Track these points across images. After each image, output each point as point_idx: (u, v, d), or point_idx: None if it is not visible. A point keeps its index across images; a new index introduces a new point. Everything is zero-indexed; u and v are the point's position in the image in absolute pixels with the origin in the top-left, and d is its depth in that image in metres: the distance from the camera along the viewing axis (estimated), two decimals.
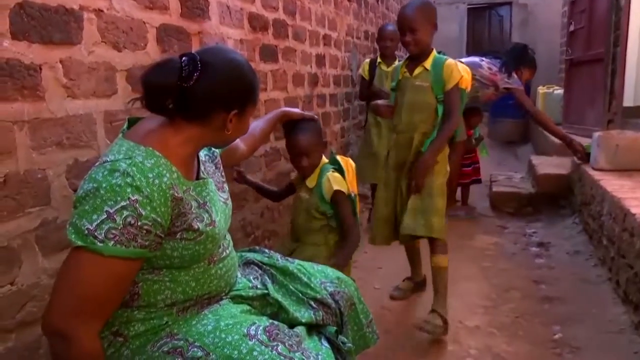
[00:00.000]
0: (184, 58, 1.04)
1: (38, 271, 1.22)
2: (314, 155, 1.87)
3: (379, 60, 3.57)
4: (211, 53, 1.10)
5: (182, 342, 1.05)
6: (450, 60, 2.14)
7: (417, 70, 2.15)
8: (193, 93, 1.04)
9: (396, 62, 3.13)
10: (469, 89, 2.33)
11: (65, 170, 1.30)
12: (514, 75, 3.49)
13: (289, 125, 1.86)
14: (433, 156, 2.11)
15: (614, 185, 2.84)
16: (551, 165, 4.22)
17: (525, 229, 3.59)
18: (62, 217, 1.28)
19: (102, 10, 1.40)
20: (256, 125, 1.71)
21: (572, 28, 5.39)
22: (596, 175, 3.14)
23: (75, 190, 1.31)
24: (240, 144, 1.57)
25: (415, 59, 2.18)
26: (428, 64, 2.12)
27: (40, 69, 1.21)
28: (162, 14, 1.68)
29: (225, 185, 1.29)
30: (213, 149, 1.31)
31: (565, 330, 2.15)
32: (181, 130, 1.07)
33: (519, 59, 3.58)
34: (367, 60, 3.69)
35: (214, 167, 1.27)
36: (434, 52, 2.16)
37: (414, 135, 2.16)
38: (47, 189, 1.25)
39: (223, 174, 1.31)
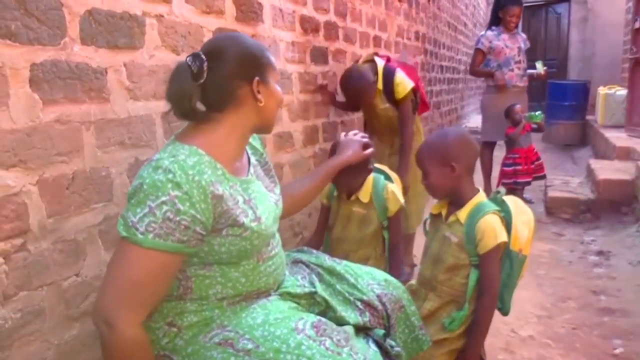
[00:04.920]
0: (188, 58, 1.09)
1: (100, 264, 1.29)
2: (360, 178, 1.81)
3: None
4: (209, 42, 1.17)
5: (232, 333, 1.08)
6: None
7: None
8: (212, 83, 1.08)
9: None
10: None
11: (127, 169, 1.36)
12: (482, 33, 4.12)
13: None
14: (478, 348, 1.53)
15: None
16: (612, 169, 4.00)
17: (583, 236, 3.43)
18: None
19: (162, 16, 1.46)
20: (299, 185, 1.60)
21: (637, 25, 5.10)
22: None
23: None
24: None
25: None
26: None
27: (106, 72, 1.28)
28: (218, 18, 1.73)
29: (276, 189, 1.31)
30: (263, 154, 1.33)
31: (627, 345, 2.03)
32: (221, 123, 1.12)
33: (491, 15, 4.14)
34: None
35: (264, 171, 1.30)
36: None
37: None
38: (110, 186, 1.31)
39: (275, 178, 1.33)
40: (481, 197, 1.52)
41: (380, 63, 2.50)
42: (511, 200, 1.54)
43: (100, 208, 1.29)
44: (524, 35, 4.16)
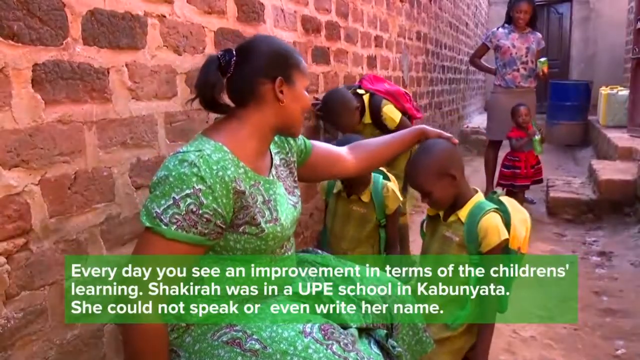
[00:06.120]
0: (220, 51, 1.14)
1: (102, 264, 1.29)
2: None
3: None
4: (245, 41, 1.21)
5: (240, 333, 1.09)
6: None
7: None
8: (237, 78, 1.13)
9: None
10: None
11: (129, 169, 1.36)
12: (494, 30, 4.15)
13: None
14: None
15: None
16: (615, 170, 3.99)
17: (585, 237, 3.42)
18: (125, 213, 1.34)
19: (164, 16, 1.46)
20: (377, 140, 1.55)
21: (639, 25, 5.09)
22: None
23: (137, 188, 1.38)
24: (346, 155, 1.46)
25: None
26: None
27: (108, 72, 1.28)
28: (220, 18, 1.73)
29: (297, 190, 1.31)
30: (289, 153, 1.32)
31: (629, 346, 2.03)
32: (244, 120, 1.14)
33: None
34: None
35: (287, 172, 1.30)
36: None
37: None
38: (112, 186, 1.32)
39: (296, 179, 1.33)
40: (480, 196, 1.55)
41: (364, 94, 2.45)
42: (507, 200, 1.57)
43: (102, 208, 1.29)
44: (538, 35, 4.08)
